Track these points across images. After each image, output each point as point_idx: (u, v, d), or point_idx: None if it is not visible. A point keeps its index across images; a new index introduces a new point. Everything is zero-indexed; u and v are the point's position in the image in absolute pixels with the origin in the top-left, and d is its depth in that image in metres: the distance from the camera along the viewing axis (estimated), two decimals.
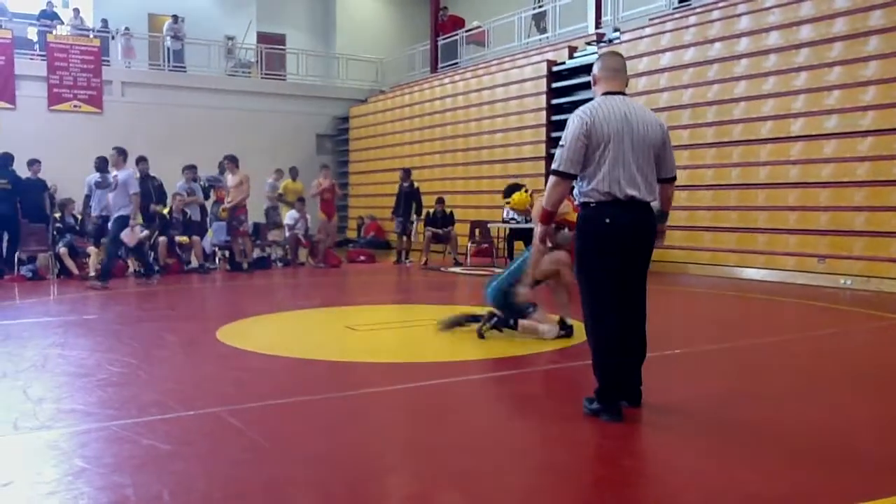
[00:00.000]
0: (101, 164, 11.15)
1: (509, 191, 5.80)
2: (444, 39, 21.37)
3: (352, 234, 20.34)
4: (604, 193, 3.83)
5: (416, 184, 15.11)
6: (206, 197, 13.34)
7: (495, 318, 6.19)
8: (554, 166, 3.93)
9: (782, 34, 11.08)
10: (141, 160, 12.94)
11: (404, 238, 14.80)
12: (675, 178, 4.12)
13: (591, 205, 3.89)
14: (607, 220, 3.83)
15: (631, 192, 3.82)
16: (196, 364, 5.69)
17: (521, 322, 6.14)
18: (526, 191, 5.87)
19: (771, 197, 10.93)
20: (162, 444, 3.63)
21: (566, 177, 3.91)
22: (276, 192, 14.88)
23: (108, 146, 10.96)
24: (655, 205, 4.02)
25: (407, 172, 14.95)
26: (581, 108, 3.97)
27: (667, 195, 4.12)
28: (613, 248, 3.85)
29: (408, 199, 14.79)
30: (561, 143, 3.90)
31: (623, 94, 4.04)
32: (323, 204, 14.81)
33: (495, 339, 6.27)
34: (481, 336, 6.18)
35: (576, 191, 4.03)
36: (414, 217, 14.82)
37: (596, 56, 14.05)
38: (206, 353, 6.02)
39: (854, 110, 10.07)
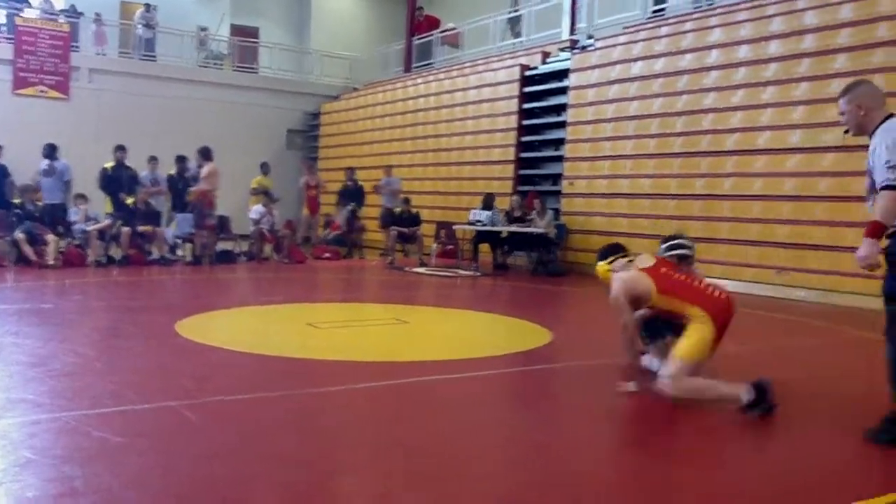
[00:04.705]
0: (49, 152, 11.00)
1: (604, 254, 4.94)
2: (419, 39, 21.36)
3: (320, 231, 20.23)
4: None
5: (360, 182, 15.71)
6: (185, 188, 13.07)
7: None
8: (892, 182, 3.63)
9: (752, 48, 11.23)
10: (118, 149, 12.86)
11: (353, 234, 15.37)
12: None
13: None
14: None
15: None
16: (154, 357, 5.61)
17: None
18: (610, 264, 4.87)
19: (735, 208, 11.08)
20: (115, 436, 3.58)
21: None
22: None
23: (74, 133, 10.86)
24: None
25: (351, 171, 15.80)
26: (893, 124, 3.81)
27: None
28: None
29: (352, 196, 15.47)
30: (889, 158, 3.64)
31: None
32: (308, 200, 15.02)
33: (459, 340, 6.27)
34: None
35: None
36: (356, 207, 15.45)
37: (569, 62, 14.31)
38: (165, 346, 5.95)
39: (818, 126, 10.24)
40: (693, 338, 4.30)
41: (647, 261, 4.72)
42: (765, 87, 10.95)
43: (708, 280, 4.69)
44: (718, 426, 4.19)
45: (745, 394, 4.07)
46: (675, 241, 5.12)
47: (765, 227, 10.67)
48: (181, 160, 13.32)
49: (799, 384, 4.97)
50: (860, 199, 9.59)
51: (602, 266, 4.73)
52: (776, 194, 10.61)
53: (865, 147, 10.07)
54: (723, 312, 4.38)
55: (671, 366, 4.25)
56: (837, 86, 10.03)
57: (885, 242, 3.80)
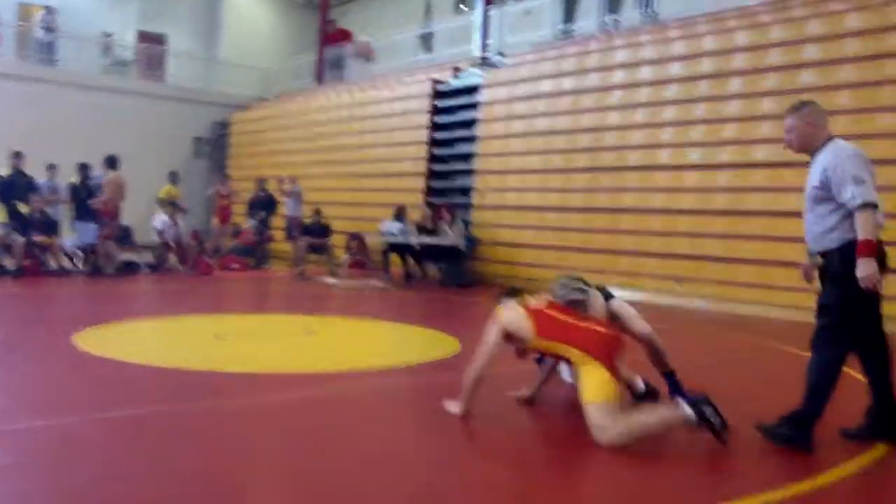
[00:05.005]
0: None
1: (503, 296, 4.65)
2: (331, 50, 21.28)
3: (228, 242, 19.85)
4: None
5: (270, 192, 15.73)
6: (88, 196, 12.54)
7: None
8: (868, 199, 3.76)
9: (654, 69, 11.68)
10: (15, 155, 12.32)
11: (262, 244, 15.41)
12: None
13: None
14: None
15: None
16: (49, 371, 5.40)
17: None
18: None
19: (637, 221, 11.45)
20: (3, 456, 3.44)
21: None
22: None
23: None
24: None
25: (262, 181, 15.90)
26: (850, 145, 3.99)
27: None
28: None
29: (263, 205, 15.54)
30: (855, 174, 3.78)
31: None
32: (219, 210, 14.84)
33: (368, 350, 6.26)
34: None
35: (836, 234, 3.89)
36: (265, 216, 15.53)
37: (480, 78, 14.54)
38: (61, 360, 5.73)
39: (716, 145, 10.72)
40: (591, 379, 4.00)
41: (537, 301, 4.48)
42: (665, 107, 11.39)
43: (595, 320, 4.41)
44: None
45: (686, 413, 3.80)
46: (568, 286, 4.76)
47: (665, 240, 11.07)
48: (84, 168, 12.84)
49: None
50: (755, 213, 10.16)
51: (498, 308, 4.43)
52: (676, 208, 11.02)
53: (755, 165, 10.55)
54: (604, 349, 4.06)
55: (590, 418, 3.93)
56: (734, 106, 10.58)
57: (820, 260, 4.01)
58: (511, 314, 4.29)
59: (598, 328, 4.21)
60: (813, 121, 4.06)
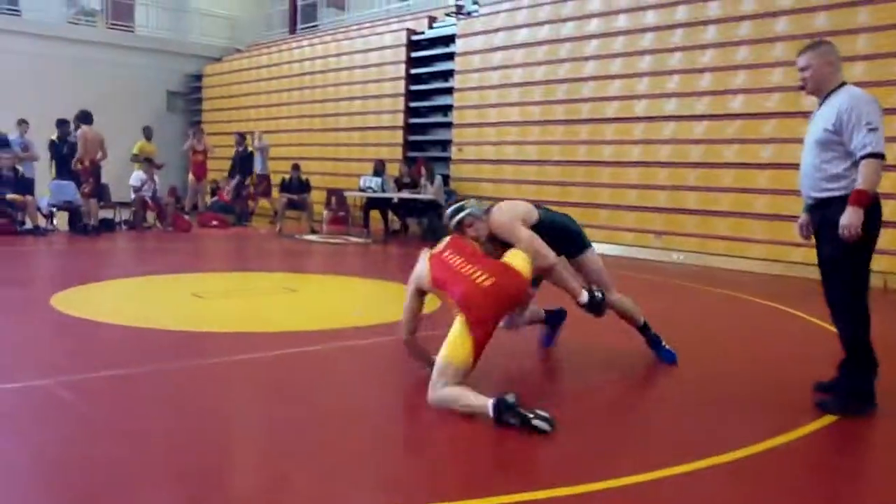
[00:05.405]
0: None
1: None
2: None
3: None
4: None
5: (249, 148, 15.53)
6: (70, 153, 12.31)
7: None
8: (878, 150, 3.65)
9: (629, 17, 11.58)
10: None
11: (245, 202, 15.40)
12: None
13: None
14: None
15: None
16: (25, 332, 5.39)
17: None
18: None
19: (615, 175, 11.48)
20: None
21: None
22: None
23: None
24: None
25: (241, 136, 15.69)
26: (862, 91, 3.85)
27: None
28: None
29: (242, 162, 15.49)
30: (868, 124, 3.66)
31: None
32: (194, 166, 14.74)
33: (349, 308, 6.27)
34: None
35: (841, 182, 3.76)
36: (248, 181, 15.49)
37: (455, 27, 14.34)
38: (38, 321, 5.72)
39: (691, 95, 10.71)
40: (451, 334, 3.73)
41: (443, 242, 4.19)
42: (641, 56, 11.33)
43: (486, 264, 3.89)
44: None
45: (490, 410, 3.47)
46: (455, 207, 4.42)
47: (642, 193, 11.12)
48: (62, 123, 12.54)
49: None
50: (727, 165, 10.22)
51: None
52: (653, 161, 11.05)
53: (729, 116, 10.48)
54: (477, 306, 3.69)
55: (434, 371, 3.74)
56: (707, 56, 10.55)
57: (813, 214, 3.93)
58: (418, 266, 4.13)
59: (480, 278, 3.74)
60: (832, 60, 3.90)
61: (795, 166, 4.13)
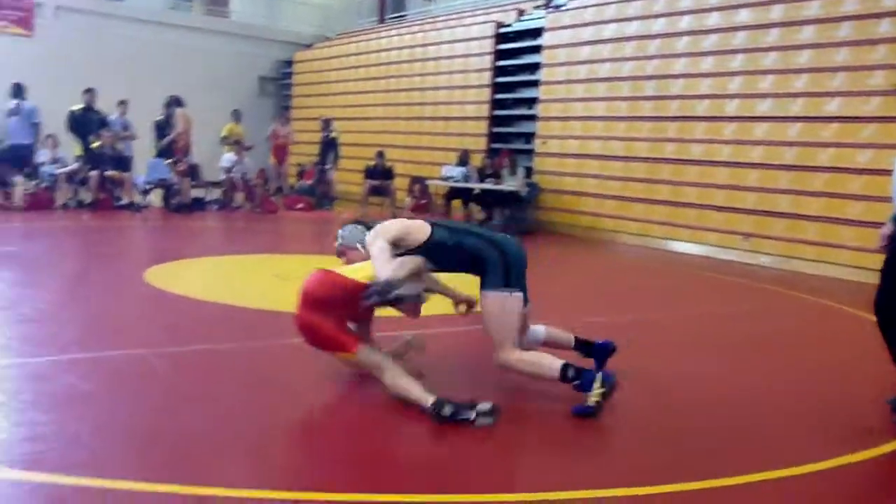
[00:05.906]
0: (16, 92, 10.78)
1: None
2: None
3: (292, 181, 20.17)
4: None
5: (333, 133, 15.83)
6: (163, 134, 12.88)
7: None
8: None
9: (722, 15, 11.29)
10: (87, 91, 12.69)
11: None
12: None
13: None
14: None
15: None
16: (122, 304, 5.66)
17: None
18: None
19: (703, 174, 11.24)
20: (82, 383, 3.66)
21: None
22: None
23: (38, 71, 10.64)
24: None
25: (326, 122, 15.97)
26: None
27: None
28: None
29: (325, 148, 15.74)
30: None
31: None
32: (276, 149, 15.14)
33: None
34: None
35: None
36: (329, 165, 15.66)
37: (543, 20, 14.28)
38: (133, 294, 6.00)
39: (786, 96, 10.38)
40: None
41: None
42: (734, 55, 11.03)
43: (319, 276, 3.99)
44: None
45: (429, 404, 3.44)
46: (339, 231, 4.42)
47: (731, 194, 10.86)
48: (170, 104, 13.11)
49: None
50: (823, 168, 9.89)
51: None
52: (744, 161, 10.78)
53: (825, 119, 10.07)
54: (299, 314, 3.89)
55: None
56: (804, 57, 10.22)
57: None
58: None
59: (306, 288, 3.92)
60: None
61: (892, 172, 3.99)
